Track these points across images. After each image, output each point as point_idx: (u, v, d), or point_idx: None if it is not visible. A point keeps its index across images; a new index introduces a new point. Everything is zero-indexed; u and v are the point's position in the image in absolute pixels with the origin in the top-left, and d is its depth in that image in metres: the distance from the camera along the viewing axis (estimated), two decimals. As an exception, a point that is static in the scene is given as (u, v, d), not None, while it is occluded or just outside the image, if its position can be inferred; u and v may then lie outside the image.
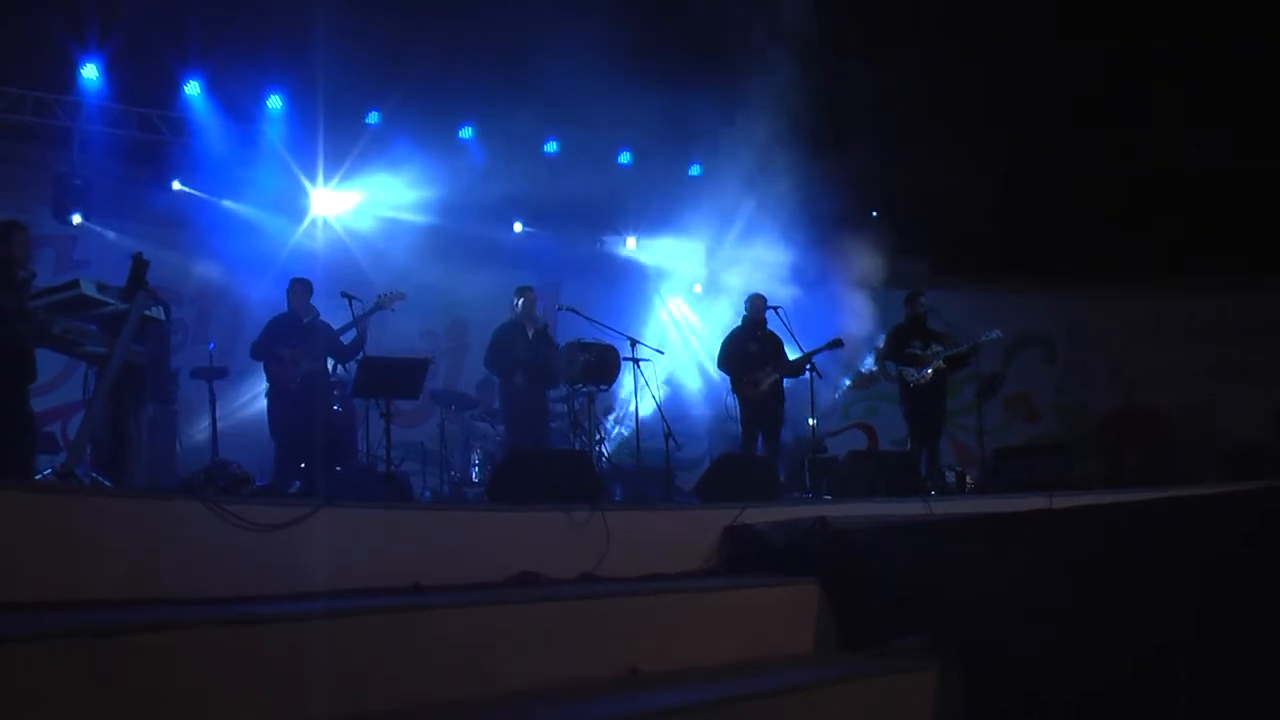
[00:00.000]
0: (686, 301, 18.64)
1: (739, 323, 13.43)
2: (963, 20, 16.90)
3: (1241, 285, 19.80)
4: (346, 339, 11.45)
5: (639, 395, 12.39)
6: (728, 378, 13.09)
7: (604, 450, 12.94)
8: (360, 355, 11.25)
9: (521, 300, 12.28)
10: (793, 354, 12.86)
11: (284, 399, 11.25)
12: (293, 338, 11.30)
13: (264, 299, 12.21)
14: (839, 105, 16.14)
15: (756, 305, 13.15)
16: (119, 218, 13.93)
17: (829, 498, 11.17)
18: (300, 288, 11.67)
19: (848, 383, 18.08)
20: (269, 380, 11.41)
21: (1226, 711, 5.25)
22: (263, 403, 11.74)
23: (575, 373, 11.74)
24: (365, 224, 15.89)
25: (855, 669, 6.30)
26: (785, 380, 12.95)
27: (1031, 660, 5.94)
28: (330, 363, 11.92)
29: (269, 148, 15.09)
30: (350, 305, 11.20)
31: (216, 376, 12.31)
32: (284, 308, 11.75)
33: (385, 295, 11.45)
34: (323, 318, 11.69)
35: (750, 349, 12.91)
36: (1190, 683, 5.35)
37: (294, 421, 11.17)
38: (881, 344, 14.62)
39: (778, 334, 13.02)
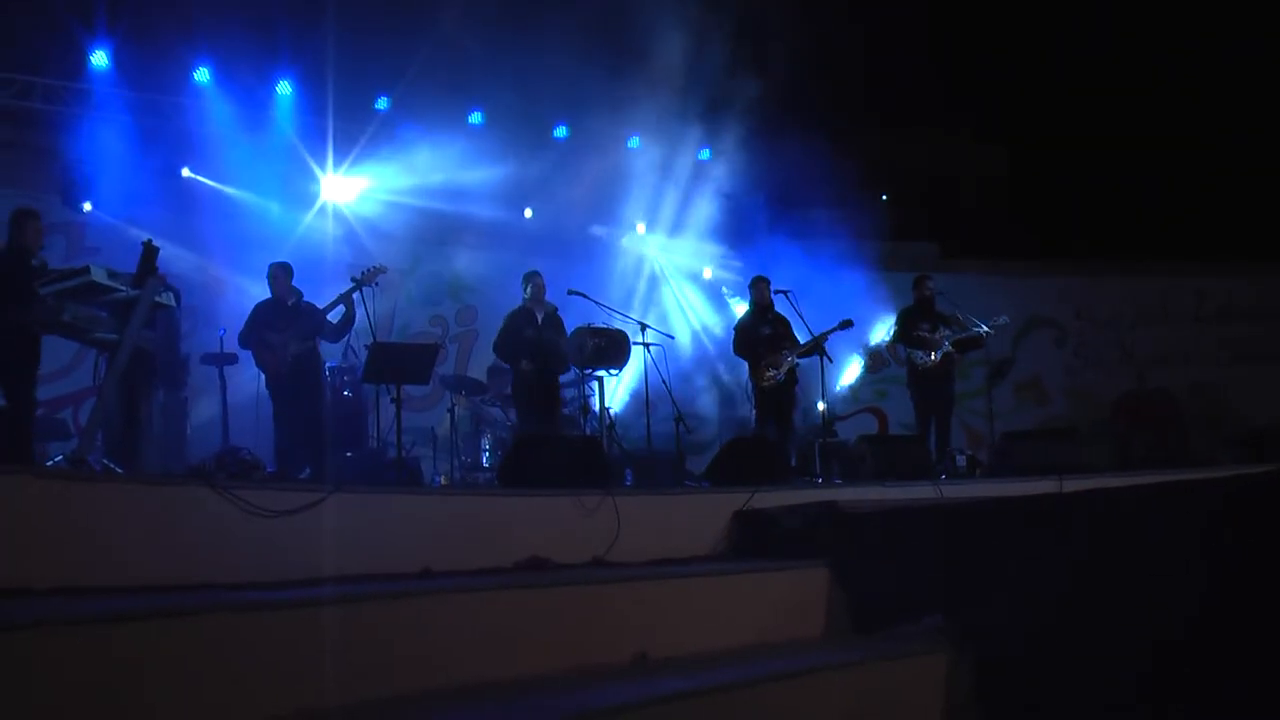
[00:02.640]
0: (694, 286, 18.66)
1: (747, 307, 13.43)
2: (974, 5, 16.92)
3: (1252, 267, 19.76)
4: (335, 317, 11.42)
5: (648, 378, 12.38)
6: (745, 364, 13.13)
7: (614, 435, 12.92)
8: (350, 333, 11.29)
9: (530, 286, 12.26)
10: (802, 336, 12.84)
11: (277, 384, 11.23)
12: (279, 322, 11.26)
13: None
14: (849, 88, 16.13)
15: (761, 288, 13.13)
16: (129, 205, 13.90)
17: (839, 482, 11.18)
18: (281, 272, 11.59)
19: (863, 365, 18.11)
20: (260, 367, 11.34)
21: (1233, 707, 5.24)
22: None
23: (585, 357, 11.72)
24: (374, 210, 15.88)
25: (865, 653, 6.29)
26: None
27: (1042, 645, 5.93)
28: (341, 347, 11.97)
29: (278, 134, 15.10)
30: (360, 290, 11.19)
31: (227, 362, 12.32)
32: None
33: (367, 270, 11.37)
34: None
35: (763, 333, 12.91)
36: (1194, 676, 5.35)
37: (290, 404, 11.16)
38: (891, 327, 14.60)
39: (785, 316, 13.02)
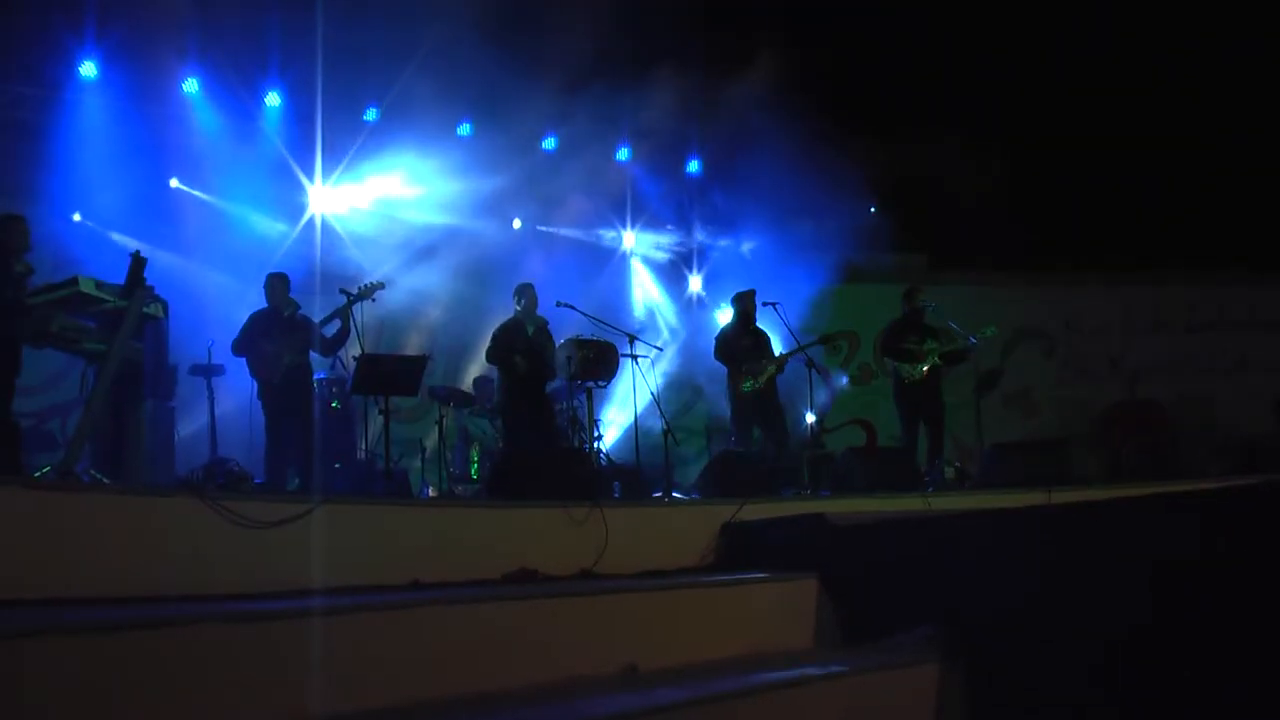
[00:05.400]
0: (678, 297, 18.68)
1: (731, 318, 13.42)
2: (963, 13, 16.96)
3: (1243, 278, 19.82)
4: (330, 331, 11.41)
5: (636, 391, 12.38)
6: (724, 374, 13.12)
7: (602, 446, 12.93)
8: (342, 348, 11.32)
9: (521, 298, 12.26)
10: (787, 349, 12.86)
11: (269, 394, 11.21)
12: (274, 332, 11.26)
13: (262, 296, 12.20)
14: (836, 98, 16.15)
15: (746, 300, 13.13)
16: (117, 215, 13.91)
17: (827, 493, 11.17)
18: (278, 282, 11.59)
19: (845, 380, 18.16)
20: (253, 376, 11.33)
21: (1232, 709, 5.24)
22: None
23: (574, 369, 11.72)
24: (363, 221, 15.88)
25: (856, 664, 6.28)
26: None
27: (1033, 655, 5.93)
28: (331, 359, 11.97)
29: (267, 145, 15.09)
30: (349, 302, 11.19)
31: (215, 374, 12.30)
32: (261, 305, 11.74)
33: (365, 285, 11.39)
34: (320, 314, 11.68)
35: (744, 343, 12.91)
36: (1193, 681, 5.35)
37: (281, 416, 11.15)
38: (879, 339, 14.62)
39: (765, 331, 13.04)
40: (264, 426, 11.32)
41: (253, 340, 11.26)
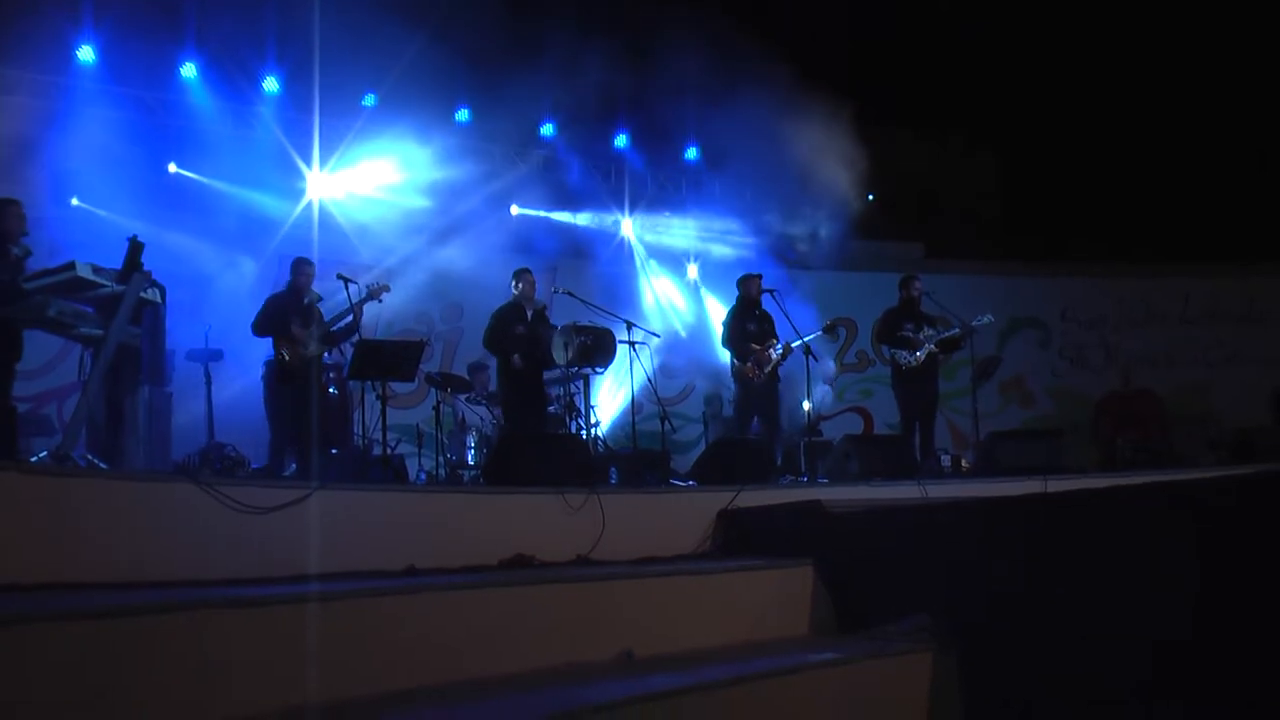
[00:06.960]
0: (677, 285, 18.67)
1: (735, 303, 13.40)
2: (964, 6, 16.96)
3: (1238, 269, 19.84)
4: (336, 327, 11.38)
5: (634, 377, 12.38)
6: (727, 362, 13.13)
7: (599, 433, 12.93)
8: (345, 341, 11.28)
9: (519, 282, 12.22)
10: (787, 336, 12.84)
11: (285, 379, 11.14)
12: (297, 319, 11.23)
13: (260, 281, 12.17)
14: (837, 87, 16.14)
15: (750, 285, 13.12)
16: (115, 200, 13.87)
17: (824, 481, 11.17)
18: (309, 268, 11.52)
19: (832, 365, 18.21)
20: (278, 359, 11.24)
21: (1224, 705, 5.26)
22: (257, 385, 11.68)
23: (571, 355, 11.70)
24: (361, 206, 15.85)
25: (851, 652, 6.29)
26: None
27: (1026, 643, 5.94)
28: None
29: (265, 130, 15.08)
30: (346, 287, 11.11)
31: (212, 359, 12.28)
32: (280, 288, 11.70)
33: (371, 287, 11.32)
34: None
35: (749, 329, 12.90)
36: (1182, 673, 5.36)
37: (292, 402, 11.10)
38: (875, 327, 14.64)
39: (771, 314, 13.02)
40: (273, 412, 11.27)
41: (283, 323, 11.19)
